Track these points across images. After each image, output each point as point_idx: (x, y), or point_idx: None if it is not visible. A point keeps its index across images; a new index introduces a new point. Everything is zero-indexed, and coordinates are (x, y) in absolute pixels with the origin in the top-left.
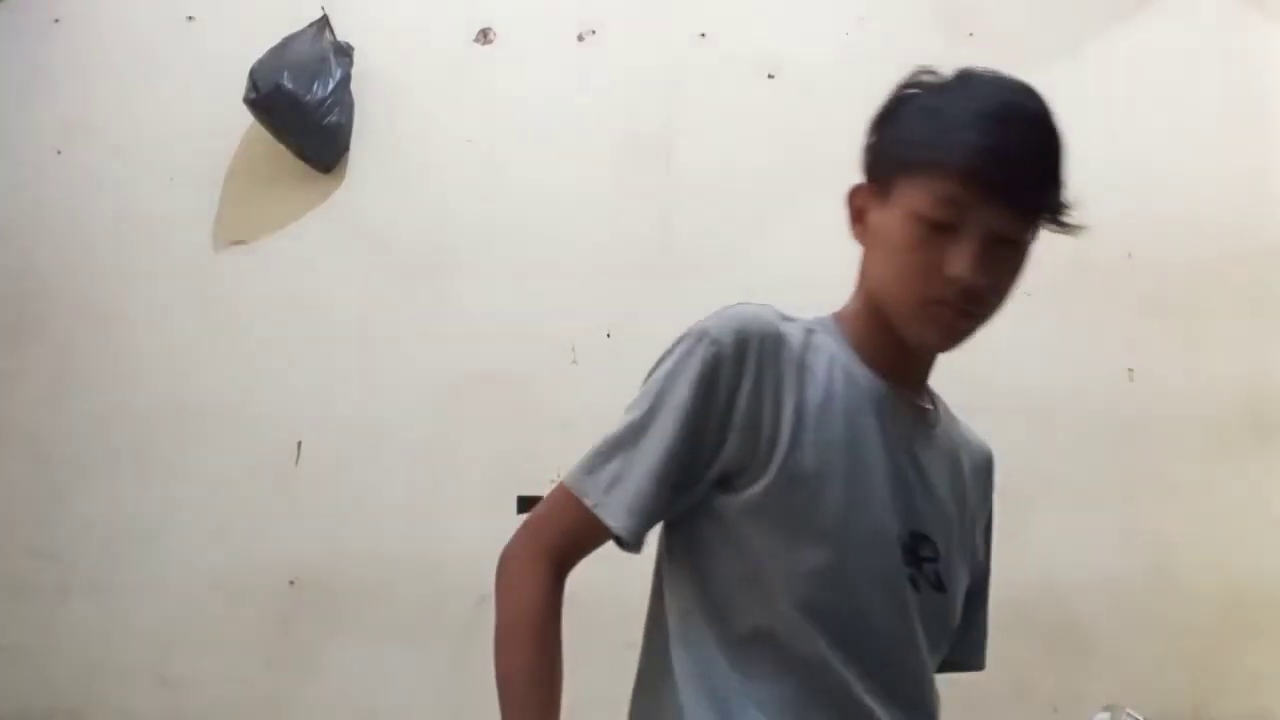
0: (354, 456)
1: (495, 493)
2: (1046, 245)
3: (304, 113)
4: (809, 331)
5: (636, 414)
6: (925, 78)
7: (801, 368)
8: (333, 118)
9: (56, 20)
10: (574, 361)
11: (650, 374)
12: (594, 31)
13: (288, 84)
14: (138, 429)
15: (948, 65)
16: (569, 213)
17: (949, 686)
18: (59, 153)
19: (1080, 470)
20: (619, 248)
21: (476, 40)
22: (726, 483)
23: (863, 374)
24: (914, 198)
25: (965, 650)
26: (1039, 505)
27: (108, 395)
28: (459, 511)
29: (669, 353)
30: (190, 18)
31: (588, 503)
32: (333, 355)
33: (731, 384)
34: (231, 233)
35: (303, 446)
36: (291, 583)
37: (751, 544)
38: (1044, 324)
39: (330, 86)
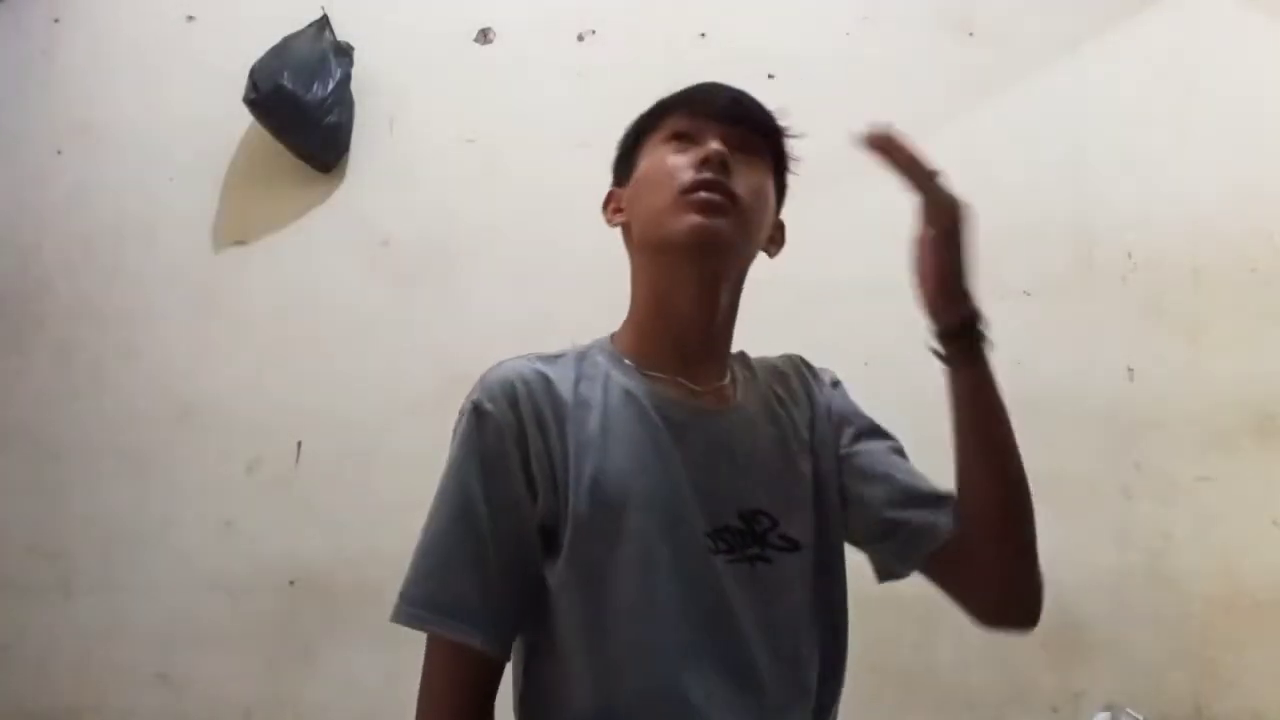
0: (354, 456)
1: None
2: (1047, 245)
3: (304, 113)
4: (581, 359)
5: (443, 515)
6: None
7: (575, 404)
8: (333, 118)
9: (56, 20)
10: None
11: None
12: (594, 31)
13: (288, 84)
14: (138, 429)
15: (949, 65)
16: (569, 212)
17: (947, 686)
18: (59, 153)
19: (1080, 470)
20: (619, 248)
21: (476, 40)
22: (548, 545)
23: (640, 385)
24: (654, 140)
25: (933, 515)
26: (1039, 505)
27: (108, 395)
28: None
29: (453, 439)
30: (190, 18)
31: (445, 633)
32: (333, 355)
33: (520, 445)
34: (231, 233)
35: (303, 446)
36: (291, 583)
37: (566, 617)
38: (1044, 324)
39: (330, 86)
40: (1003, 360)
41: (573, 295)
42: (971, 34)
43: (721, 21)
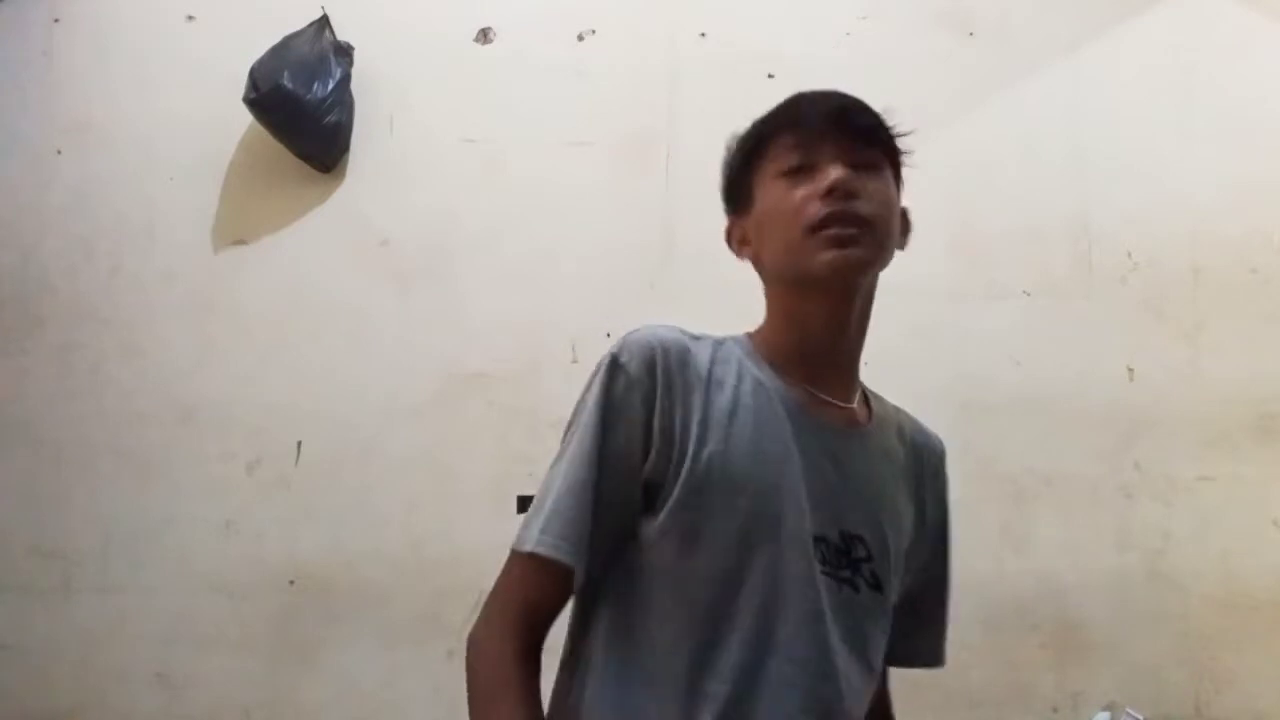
0: (354, 456)
1: (495, 493)
2: (1047, 245)
3: (304, 113)
4: (718, 345)
5: (562, 451)
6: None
7: (709, 381)
8: (333, 118)
9: (56, 20)
10: (574, 361)
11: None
12: (594, 31)
13: (288, 84)
14: (138, 429)
15: (949, 65)
16: (569, 212)
17: (948, 686)
18: (59, 153)
19: (1080, 470)
20: (619, 247)
21: (476, 40)
22: (649, 501)
23: (773, 382)
24: (768, 172)
25: (928, 647)
26: (1039, 505)
27: (108, 395)
28: (459, 511)
29: (586, 385)
30: (190, 18)
31: (526, 549)
32: (333, 355)
33: (647, 404)
34: (231, 233)
35: (303, 446)
36: (291, 583)
37: (654, 572)
38: (1044, 324)
39: (330, 86)
40: (1003, 360)
41: (573, 295)
42: (971, 34)
43: (721, 21)
